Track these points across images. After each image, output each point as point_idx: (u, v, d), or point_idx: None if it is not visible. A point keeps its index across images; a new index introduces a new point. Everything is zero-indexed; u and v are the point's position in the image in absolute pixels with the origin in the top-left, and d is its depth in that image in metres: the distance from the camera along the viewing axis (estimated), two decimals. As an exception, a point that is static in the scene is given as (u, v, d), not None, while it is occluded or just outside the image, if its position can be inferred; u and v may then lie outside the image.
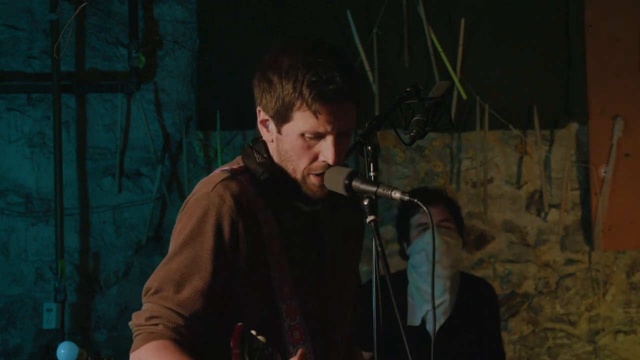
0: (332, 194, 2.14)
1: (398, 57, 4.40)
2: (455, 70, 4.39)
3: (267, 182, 2.14)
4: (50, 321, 4.16)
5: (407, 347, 1.85)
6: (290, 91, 2.06)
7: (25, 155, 4.33)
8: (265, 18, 4.34)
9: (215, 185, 2.11)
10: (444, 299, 3.47)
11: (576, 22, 4.48)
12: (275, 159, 2.16)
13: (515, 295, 4.48)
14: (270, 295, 2.10)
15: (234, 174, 2.15)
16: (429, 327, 3.47)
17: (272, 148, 2.18)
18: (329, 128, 2.07)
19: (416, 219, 3.55)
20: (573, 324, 4.54)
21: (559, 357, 4.54)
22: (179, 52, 4.38)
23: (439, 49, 4.37)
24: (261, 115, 2.16)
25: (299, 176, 2.12)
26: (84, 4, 3.49)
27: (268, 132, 2.16)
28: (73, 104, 4.35)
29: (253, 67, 2.19)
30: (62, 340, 3.79)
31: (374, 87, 4.35)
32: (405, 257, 3.65)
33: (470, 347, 3.51)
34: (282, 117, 2.10)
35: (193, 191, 2.16)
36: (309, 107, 2.06)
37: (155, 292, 2.08)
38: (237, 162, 2.21)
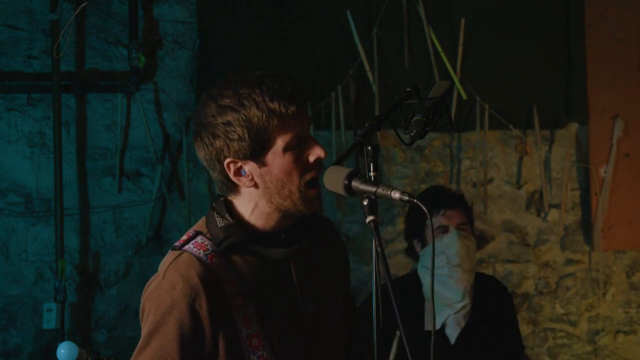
0: (305, 231, 2.16)
1: (398, 57, 4.40)
2: (455, 70, 4.39)
3: (233, 246, 2.11)
4: (50, 321, 4.16)
5: (407, 350, 1.84)
6: (258, 114, 2.03)
7: (25, 155, 4.33)
8: (265, 18, 4.34)
9: (165, 272, 2.09)
10: (464, 303, 3.39)
11: (576, 22, 4.48)
12: (263, 199, 2.12)
13: (515, 295, 4.48)
14: (240, 351, 2.08)
15: (181, 248, 2.11)
16: (449, 331, 3.41)
17: (254, 195, 2.13)
18: (304, 127, 2.08)
19: (435, 221, 3.40)
20: (573, 324, 4.54)
21: (559, 357, 4.54)
22: (179, 52, 4.38)
23: (439, 49, 4.37)
24: (232, 167, 2.10)
25: (296, 196, 2.10)
26: (84, 4, 3.49)
27: (247, 177, 2.10)
28: (73, 104, 4.35)
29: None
30: (62, 340, 3.79)
31: (374, 87, 4.34)
32: (412, 254, 3.57)
33: (493, 347, 3.45)
34: (261, 145, 2.06)
35: (150, 279, 2.14)
36: (284, 115, 2.04)
37: None
38: (197, 227, 2.18)
